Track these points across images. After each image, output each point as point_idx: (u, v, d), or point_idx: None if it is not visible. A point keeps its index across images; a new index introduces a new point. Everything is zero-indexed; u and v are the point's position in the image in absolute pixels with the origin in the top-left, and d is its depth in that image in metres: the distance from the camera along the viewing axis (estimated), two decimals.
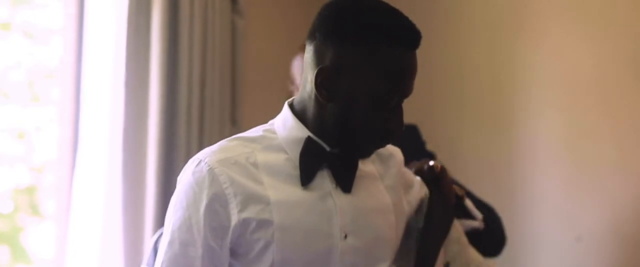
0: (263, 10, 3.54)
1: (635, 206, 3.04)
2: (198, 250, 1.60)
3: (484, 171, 3.35)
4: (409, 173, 1.85)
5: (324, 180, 1.64)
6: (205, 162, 1.63)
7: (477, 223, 1.94)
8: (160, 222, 2.97)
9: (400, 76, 1.61)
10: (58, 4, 2.98)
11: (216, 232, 1.60)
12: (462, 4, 3.53)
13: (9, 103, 2.92)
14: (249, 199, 1.60)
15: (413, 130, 2.71)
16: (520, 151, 3.32)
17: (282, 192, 1.62)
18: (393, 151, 1.80)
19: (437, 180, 1.88)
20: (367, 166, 1.71)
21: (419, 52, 1.69)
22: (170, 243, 1.64)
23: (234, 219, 1.60)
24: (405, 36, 1.60)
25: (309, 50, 1.65)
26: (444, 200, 1.85)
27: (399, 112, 1.65)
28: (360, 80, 1.59)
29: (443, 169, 1.88)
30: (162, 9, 2.99)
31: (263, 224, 1.60)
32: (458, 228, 1.89)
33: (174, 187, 2.94)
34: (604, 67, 3.13)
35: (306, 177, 1.63)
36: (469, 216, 1.95)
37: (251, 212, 1.60)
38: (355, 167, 1.65)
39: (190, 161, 1.67)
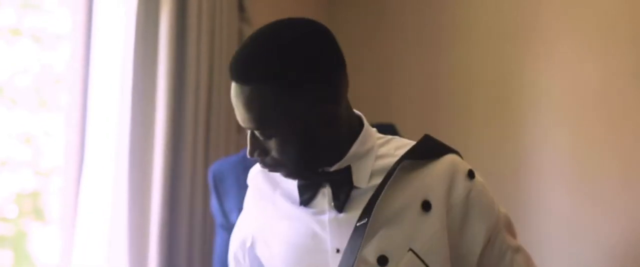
0: (270, 18, 3.54)
1: None
2: None
3: (490, 182, 3.33)
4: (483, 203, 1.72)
5: (324, 198, 1.67)
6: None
7: None
8: (165, 226, 2.97)
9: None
10: (66, 10, 2.98)
11: None
12: (472, 16, 3.53)
13: (16, 108, 2.92)
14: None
15: (393, 128, 2.69)
16: (526, 163, 3.31)
17: (284, 209, 1.72)
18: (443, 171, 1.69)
19: None
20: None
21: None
22: None
23: None
24: (230, 68, 1.58)
25: None
26: None
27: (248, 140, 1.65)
28: None
29: None
30: (170, 16, 2.99)
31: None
32: None
33: (180, 192, 2.99)
34: (609, 81, 3.13)
35: (303, 198, 1.69)
36: None
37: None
38: (348, 186, 1.65)
39: None
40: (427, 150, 1.70)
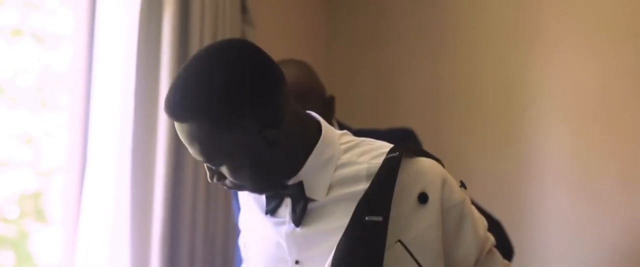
0: (273, 20, 3.55)
1: None
2: None
3: (491, 184, 3.35)
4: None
5: (286, 209, 1.68)
6: None
7: None
8: (168, 228, 2.96)
9: None
10: (68, 10, 2.98)
11: None
12: (473, 18, 3.53)
13: (17, 108, 2.92)
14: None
15: (409, 134, 2.70)
16: (527, 164, 3.31)
17: (256, 213, 1.77)
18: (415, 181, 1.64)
19: None
20: (348, 188, 1.64)
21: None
22: None
23: None
24: (164, 105, 1.60)
25: None
26: None
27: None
28: None
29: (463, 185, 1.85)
30: (173, 17, 2.99)
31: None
32: None
33: (183, 193, 2.98)
34: (610, 83, 3.14)
35: (268, 208, 1.71)
36: None
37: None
38: (302, 202, 1.65)
39: None
40: (418, 150, 1.69)
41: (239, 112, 1.55)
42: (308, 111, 1.72)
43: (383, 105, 3.70)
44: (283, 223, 1.68)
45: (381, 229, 1.55)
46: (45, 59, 2.99)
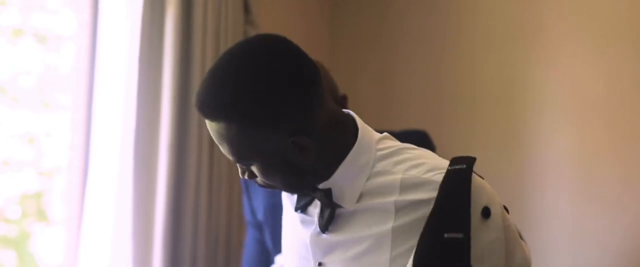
0: (275, 21, 3.54)
1: None
2: None
3: (493, 185, 3.33)
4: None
5: (316, 209, 1.64)
6: None
7: None
8: (170, 228, 2.96)
9: None
10: (70, 11, 2.98)
11: None
12: (476, 19, 3.53)
13: (19, 108, 2.92)
14: None
15: (424, 136, 2.69)
16: (530, 165, 3.31)
17: (287, 207, 1.74)
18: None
19: None
20: (379, 198, 1.58)
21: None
22: None
23: None
24: (195, 103, 1.57)
25: None
26: None
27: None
28: None
29: None
30: (175, 17, 2.99)
31: None
32: None
33: (185, 193, 2.98)
34: (612, 84, 3.13)
35: (298, 204, 1.68)
36: None
37: None
38: (330, 209, 1.60)
39: None
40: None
41: (270, 117, 1.50)
42: (346, 110, 1.64)
43: (385, 106, 3.69)
44: (311, 223, 1.64)
45: (463, 246, 1.48)
46: (48, 60, 2.99)
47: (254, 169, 1.58)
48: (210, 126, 1.55)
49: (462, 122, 3.51)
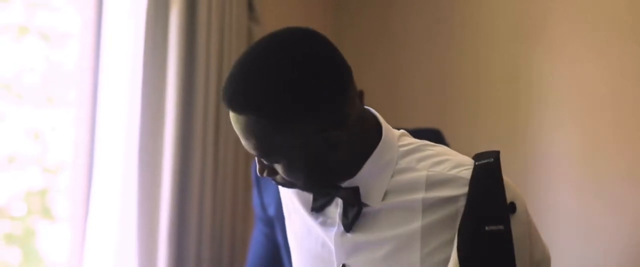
0: (279, 17, 3.54)
1: None
2: None
3: None
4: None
5: (337, 209, 1.60)
6: None
7: None
8: (175, 224, 2.97)
9: None
10: (74, 8, 2.98)
11: None
12: (480, 15, 3.53)
13: (24, 105, 2.92)
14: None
15: (437, 135, 2.69)
16: (534, 161, 3.30)
17: (298, 208, 1.67)
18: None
19: None
20: (405, 195, 1.56)
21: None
22: None
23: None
24: (222, 95, 1.50)
25: None
26: None
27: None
28: None
29: None
30: (180, 14, 2.99)
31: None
32: None
33: (190, 189, 2.99)
34: (617, 80, 3.13)
35: (314, 204, 1.63)
36: None
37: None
38: (355, 208, 1.56)
39: None
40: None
41: (303, 111, 1.46)
42: (367, 107, 1.61)
43: (390, 104, 3.69)
44: (331, 224, 1.60)
45: (506, 237, 1.48)
46: (52, 57, 3.00)
47: (278, 166, 1.53)
48: (237, 120, 1.48)
49: (467, 119, 3.50)
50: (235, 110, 1.48)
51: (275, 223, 2.66)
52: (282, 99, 1.45)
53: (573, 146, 3.22)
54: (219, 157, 3.11)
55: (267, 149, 1.50)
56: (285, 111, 1.45)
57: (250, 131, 1.47)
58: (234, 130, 1.53)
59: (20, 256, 2.92)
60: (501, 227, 1.48)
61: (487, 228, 1.47)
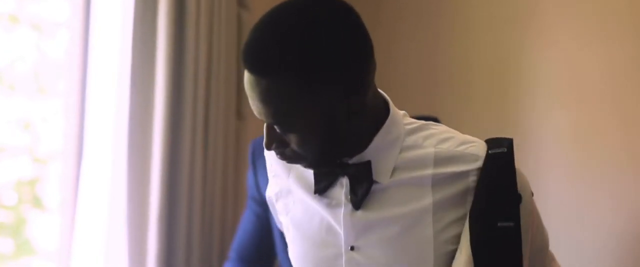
0: (269, 4, 3.53)
1: None
2: None
3: None
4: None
5: (342, 189, 1.57)
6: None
7: None
8: (165, 213, 2.97)
9: None
10: None
11: None
12: (472, 1, 3.53)
13: (14, 95, 2.92)
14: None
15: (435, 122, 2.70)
16: (526, 150, 3.30)
17: (298, 194, 1.64)
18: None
19: None
20: (414, 172, 1.55)
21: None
22: None
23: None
24: (243, 57, 1.46)
25: None
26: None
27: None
28: None
29: None
30: (169, 1, 2.99)
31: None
32: None
33: (179, 177, 3.00)
34: (610, 66, 3.13)
35: (317, 186, 1.60)
36: None
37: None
38: (367, 182, 1.54)
39: None
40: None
41: (327, 71, 1.42)
42: None
43: (380, 90, 3.69)
44: (337, 205, 1.56)
45: (516, 234, 1.49)
46: (42, 46, 2.99)
47: (291, 135, 1.49)
48: (257, 84, 1.44)
49: (457, 105, 3.50)
50: (255, 71, 1.43)
51: (268, 205, 2.67)
52: (312, 57, 1.41)
53: (564, 130, 3.22)
54: (209, 143, 3.11)
55: (285, 116, 1.45)
56: (314, 70, 1.41)
57: (270, 95, 1.43)
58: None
59: (12, 244, 2.92)
60: (512, 223, 1.49)
61: (499, 224, 1.49)
